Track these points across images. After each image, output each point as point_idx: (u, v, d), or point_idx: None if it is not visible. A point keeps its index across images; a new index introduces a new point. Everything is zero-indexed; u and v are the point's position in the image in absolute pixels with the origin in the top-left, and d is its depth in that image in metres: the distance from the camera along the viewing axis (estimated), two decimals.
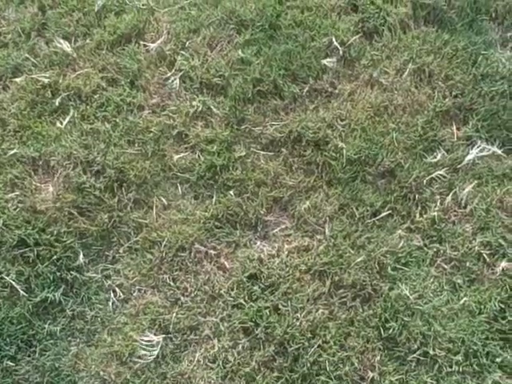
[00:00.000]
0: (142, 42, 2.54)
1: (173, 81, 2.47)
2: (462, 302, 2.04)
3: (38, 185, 2.29)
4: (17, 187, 2.28)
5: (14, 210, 2.22)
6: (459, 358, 1.96)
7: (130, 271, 2.14)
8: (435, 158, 2.28)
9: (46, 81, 2.47)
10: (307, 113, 2.38)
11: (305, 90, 2.42)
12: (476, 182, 2.23)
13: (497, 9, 2.52)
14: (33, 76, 2.49)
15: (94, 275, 2.14)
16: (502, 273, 2.08)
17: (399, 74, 2.45)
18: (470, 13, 2.50)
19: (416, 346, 1.98)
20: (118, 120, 2.39)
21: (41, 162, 2.33)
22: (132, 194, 2.26)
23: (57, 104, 2.43)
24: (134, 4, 2.62)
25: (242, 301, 2.06)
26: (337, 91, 2.43)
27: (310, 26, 2.50)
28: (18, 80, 2.50)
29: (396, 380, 1.94)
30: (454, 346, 1.97)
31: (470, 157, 2.27)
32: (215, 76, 2.46)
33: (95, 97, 2.45)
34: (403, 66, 2.45)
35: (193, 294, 2.09)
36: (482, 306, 2.02)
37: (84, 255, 2.16)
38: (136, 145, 2.35)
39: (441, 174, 2.24)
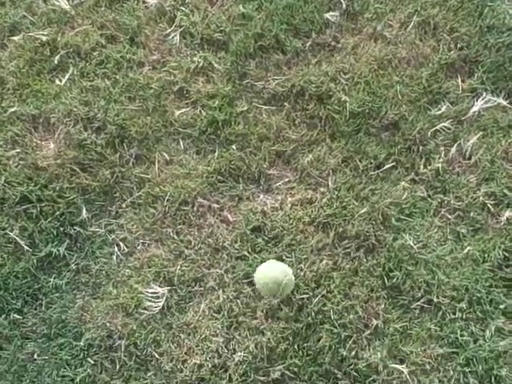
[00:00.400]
0: None
1: (173, 37, 2.52)
2: (465, 251, 2.12)
3: (39, 142, 2.36)
4: (17, 145, 2.35)
5: (16, 167, 2.30)
6: (463, 305, 2.04)
7: (133, 225, 2.22)
8: (440, 110, 2.33)
9: (45, 39, 2.52)
10: (310, 67, 2.43)
11: (307, 45, 2.46)
12: (481, 133, 2.29)
13: None
14: (31, 34, 2.53)
15: (98, 230, 2.22)
16: (506, 222, 2.15)
17: (403, 27, 2.48)
18: None
19: (420, 294, 2.06)
20: (118, 77, 2.45)
21: (41, 120, 2.39)
22: (134, 150, 2.33)
23: (56, 62, 2.48)
24: None
25: (245, 253, 2.15)
26: (340, 45, 2.47)
27: None
28: (15, 38, 2.53)
29: (400, 327, 2.03)
30: (458, 293, 2.06)
31: (475, 108, 2.32)
32: (216, 31, 2.50)
33: (94, 54, 2.50)
34: (407, 19, 2.48)
35: (196, 247, 2.18)
36: (486, 255, 2.10)
37: (87, 210, 2.24)
38: (137, 101, 2.41)
39: (445, 126, 2.30)
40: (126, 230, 2.22)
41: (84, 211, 2.24)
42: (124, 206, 2.26)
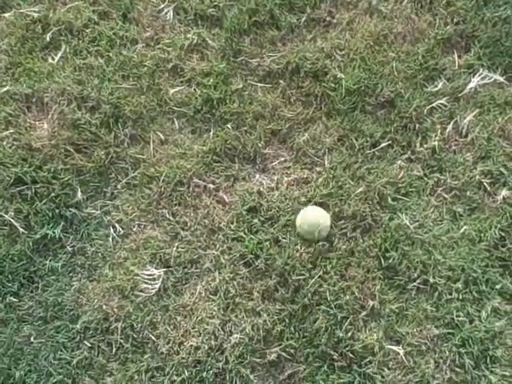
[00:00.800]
0: None
1: (166, 13, 2.30)
2: (462, 230, 1.95)
3: (33, 122, 2.16)
4: (11, 125, 2.13)
5: (10, 147, 2.09)
6: (459, 285, 1.88)
7: (128, 207, 2.04)
8: (436, 86, 2.14)
9: (36, 15, 2.29)
10: (305, 43, 2.22)
11: (302, 20, 2.25)
12: (477, 110, 2.10)
13: None
14: (22, 11, 2.30)
15: (93, 211, 2.04)
16: (502, 201, 1.98)
17: (399, 1, 2.27)
18: None
19: (416, 275, 1.89)
20: (111, 54, 2.23)
21: (34, 99, 2.17)
22: (128, 130, 2.13)
23: (48, 39, 2.26)
24: None
25: (241, 234, 1.97)
26: (335, 20, 2.27)
27: None
28: (6, 15, 2.30)
29: (396, 308, 1.87)
30: (454, 273, 1.90)
31: (471, 85, 2.14)
32: (210, 7, 2.28)
33: (87, 31, 2.27)
34: None
35: (192, 228, 2.00)
36: (482, 234, 1.93)
37: (82, 192, 2.05)
38: (131, 79, 2.20)
39: (441, 103, 2.11)
40: (121, 211, 2.03)
41: (79, 193, 2.05)
42: (119, 187, 2.07)
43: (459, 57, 2.19)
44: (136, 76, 2.20)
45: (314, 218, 1.93)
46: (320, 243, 1.94)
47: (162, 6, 2.31)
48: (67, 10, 2.32)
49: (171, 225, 2.01)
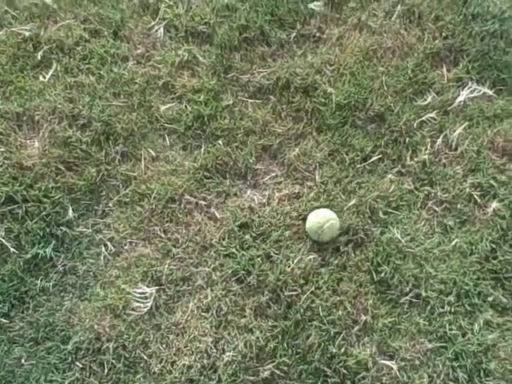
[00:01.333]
0: None
1: (157, 30, 2.31)
2: (453, 243, 1.95)
3: (24, 141, 2.15)
4: (1, 143, 2.11)
5: (0, 166, 2.07)
6: (451, 298, 1.87)
7: (120, 224, 2.02)
8: (425, 100, 2.15)
9: (27, 34, 2.30)
10: (295, 59, 2.23)
11: (292, 36, 2.27)
12: (467, 123, 2.11)
13: None
14: (13, 29, 2.30)
15: (85, 230, 2.02)
16: (493, 213, 1.97)
17: (388, 17, 2.30)
18: None
19: (408, 289, 1.88)
20: (102, 72, 2.23)
21: (25, 118, 2.16)
22: (119, 147, 2.12)
23: (39, 57, 2.26)
24: None
25: (233, 250, 1.95)
26: (325, 36, 2.28)
27: None
28: None
29: (389, 322, 1.85)
30: (446, 287, 1.89)
31: (460, 98, 2.15)
32: (200, 24, 2.30)
33: (78, 49, 2.28)
34: (392, 9, 2.30)
35: (184, 245, 1.98)
36: (474, 247, 1.93)
37: (73, 210, 2.03)
38: (122, 97, 2.20)
39: (431, 117, 2.11)
40: (113, 229, 2.02)
41: (70, 211, 2.03)
42: (111, 204, 2.05)
43: (448, 71, 2.20)
44: (127, 93, 2.20)
45: (315, 218, 1.93)
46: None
47: (153, 23, 2.31)
48: (58, 28, 2.32)
49: (163, 242, 1.99)
